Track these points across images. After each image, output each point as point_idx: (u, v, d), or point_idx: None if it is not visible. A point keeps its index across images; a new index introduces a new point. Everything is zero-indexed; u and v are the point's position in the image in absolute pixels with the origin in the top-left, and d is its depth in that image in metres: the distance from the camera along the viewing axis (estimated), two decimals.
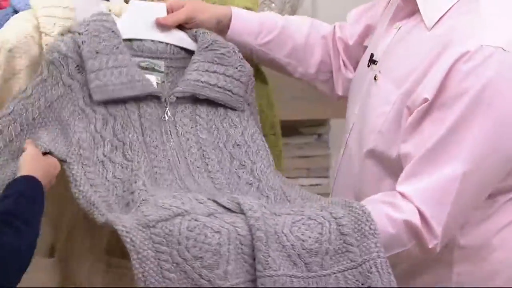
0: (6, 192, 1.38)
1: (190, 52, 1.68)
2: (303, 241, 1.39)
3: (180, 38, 1.68)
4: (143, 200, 1.42)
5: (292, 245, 1.38)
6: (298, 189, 1.64)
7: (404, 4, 1.61)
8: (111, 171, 1.50)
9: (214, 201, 1.45)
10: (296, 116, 2.73)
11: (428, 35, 1.53)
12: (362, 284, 1.39)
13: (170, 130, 1.61)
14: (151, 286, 1.31)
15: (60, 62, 1.52)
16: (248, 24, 1.80)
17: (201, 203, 1.42)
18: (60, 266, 1.71)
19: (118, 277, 1.66)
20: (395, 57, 1.60)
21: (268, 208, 1.43)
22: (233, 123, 1.68)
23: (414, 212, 1.47)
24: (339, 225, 1.41)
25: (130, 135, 1.54)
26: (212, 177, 1.59)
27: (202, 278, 1.32)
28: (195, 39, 1.69)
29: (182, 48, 1.68)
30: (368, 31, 1.82)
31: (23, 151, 1.47)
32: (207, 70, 1.65)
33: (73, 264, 1.71)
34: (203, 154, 1.61)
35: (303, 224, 1.40)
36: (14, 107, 1.51)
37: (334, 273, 1.39)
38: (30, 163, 1.43)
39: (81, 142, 1.50)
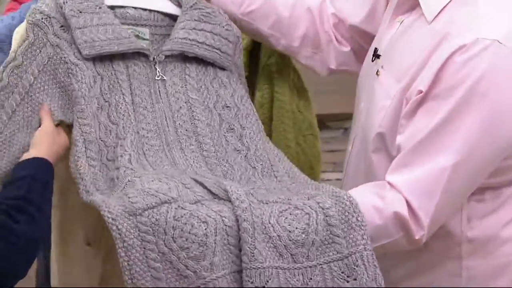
0: (18, 172, 1.40)
1: (175, 19, 1.67)
2: (289, 232, 1.38)
3: (163, 4, 1.68)
4: (129, 181, 1.41)
5: (278, 235, 1.37)
6: (286, 164, 1.62)
7: None
8: (97, 131, 1.50)
9: (201, 184, 1.43)
10: (323, 110, 2.70)
11: (428, 29, 1.53)
12: (348, 277, 1.38)
13: (159, 90, 1.60)
14: (136, 274, 1.31)
15: (44, 22, 1.54)
16: None
17: (187, 188, 1.40)
18: (101, 256, 1.71)
19: None
20: (396, 51, 1.60)
21: (255, 195, 1.42)
22: (223, 83, 1.66)
23: (402, 203, 1.46)
24: (326, 216, 1.40)
25: (117, 97, 1.54)
26: (200, 141, 1.58)
27: (188, 269, 1.32)
28: (178, 4, 1.69)
29: (166, 16, 1.68)
30: (372, 15, 1.79)
31: (39, 122, 1.49)
32: (194, 28, 1.64)
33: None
34: (193, 115, 1.59)
35: (290, 214, 1.39)
36: (8, 79, 1.52)
37: (320, 264, 1.38)
38: (45, 141, 1.45)
39: (76, 98, 1.51)
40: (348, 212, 1.41)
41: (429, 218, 1.46)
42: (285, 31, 1.83)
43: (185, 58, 1.64)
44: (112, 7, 1.62)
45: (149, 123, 1.56)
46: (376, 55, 1.66)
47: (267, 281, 1.34)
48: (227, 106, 1.64)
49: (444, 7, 1.52)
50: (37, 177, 1.37)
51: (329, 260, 1.39)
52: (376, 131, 1.57)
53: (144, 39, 1.64)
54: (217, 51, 1.66)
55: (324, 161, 2.83)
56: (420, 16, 1.56)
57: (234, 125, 1.62)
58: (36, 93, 1.53)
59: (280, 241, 1.37)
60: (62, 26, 1.55)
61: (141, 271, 1.31)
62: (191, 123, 1.59)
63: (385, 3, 1.75)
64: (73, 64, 1.53)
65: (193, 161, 1.55)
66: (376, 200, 1.47)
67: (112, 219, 1.32)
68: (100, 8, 1.58)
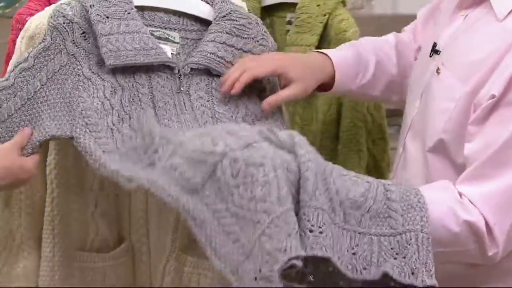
0: None
1: (205, 24, 1.59)
2: (348, 190, 1.31)
3: (194, 5, 1.59)
4: (170, 154, 1.33)
5: (337, 190, 1.30)
6: None
7: None
8: (120, 140, 1.42)
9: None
10: None
11: (499, 27, 1.44)
12: (396, 254, 1.31)
13: (184, 102, 1.52)
14: (217, 246, 1.25)
15: (65, 28, 1.46)
16: (347, 69, 1.66)
17: (232, 134, 1.32)
18: (134, 258, 1.66)
19: (195, 278, 1.61)
20: (460, 48, 1.50)
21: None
22: (252, 98, 1.57)
23: (479, 214, 1.38)
24: (387, 190, 1.34)
25: (137, 110, 1.46)
26: None
27: (259, 213, 1.23)
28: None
29: (196, 21, 1.60)
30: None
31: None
32: (224, 43, 1.55)
33: (147, 261, 1.66)
34: None
35: (349, 179, 1.33)
36: (15, 80, 1.44)
37: (370, 234, 1.32)
38: None
39: (85, 111, 1.43)
40: (410, 193, 1.34)
41: (504, 235, 1.39)
42: (397, 89, 1.74)
43: (211, 71, 1.56)
44: (141, 8, 1.55)
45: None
46: (434, 50, 1.57)
47: (323, 224, 1.27)
48: (258, 120, 1.55)
49: None
50: None
51: (380, 234, 1.32)
52: (439, 136, 1.49)
53: (175, 42, 1.57)
54: None
55: None
56: (489, 12, 1.47)
57: None
58: (39, 102, 1.44)
59: (337, 196, 1.30)
60: (83, 33, 1.48)
61: (221, 241, 1.26)
62: None
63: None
64: (86, 78, 1.46)
65: None
66: (458, 206, 1.39)
67: (175, 200, 1.26)
68: (128, 13, 1.50)
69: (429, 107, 1.53)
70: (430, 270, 1.31)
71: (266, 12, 2.08)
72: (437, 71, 1.52)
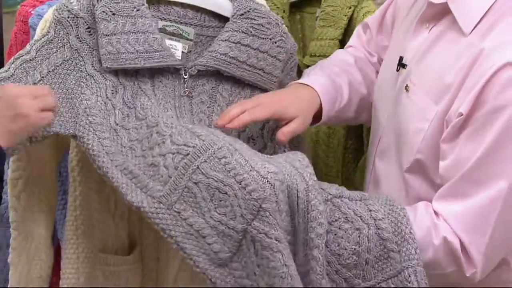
0: None
1: (224, 21, 1.50)
2: (339, 255, 1.29)
3: (213, 1, 1.50)
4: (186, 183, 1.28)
5: (328, 262, 1.29)
6: None
7: (435, 2, 1.45)
8: (126, 136, 1.36)
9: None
10: None
11: (465, 42, 1.38)
12: None
13: (184, 106, 1.44)
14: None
15: (69, 22, 1.40)
16: (329, 97, 1.59)
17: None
18: (143, 264, 1.62)
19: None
20: (428, 65, 1.45)
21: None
22: None
23: (454, 235, 1.35)
24: (378, 228, 1.31)
25: (141, 99, 1.39)
26: None
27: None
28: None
29: (215, 17, 1.50)
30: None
31: None
32: (239, 42, 1.46)
33: (160, 264, 1.61)
34: None
35: (339, 229, 1.30)
36: (15, 71, 1.38)
37: (379, 282, 1.30)
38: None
39: (90, 109, 1.37)
40: (401, 223, 1.32)
41: (481, 255, 1.35)
42: (367, 107, 1.68)
43: (221, 73, 1.46)
44: (158, 0, 1.46)
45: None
46: (401, 64, 1.50)
47: None
48: (253, 139, 1.47)
49: (482, 18, 1.37)
50: None
51: (387, 277, 1.30)
52: (415, 156, 1.44)
53: (188, 39, 1.48)
54: (259, 72, 1.47)
55: None
56: (453, 25, 1.40)
57: None
58: None
59: (330, 267, 1.29)
60: (88, 28, 1.40)
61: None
62: None
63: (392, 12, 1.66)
64: (88, 75, 1.39)
65: None
66: (432, 224, 1.36)
67: (203, 269, 1.29)
68: (138, 10, 1.41)
69: (402, 126, 1.48)
70: None
71: (296, 8, 2.00)
72: (406, 88, 1.47)
